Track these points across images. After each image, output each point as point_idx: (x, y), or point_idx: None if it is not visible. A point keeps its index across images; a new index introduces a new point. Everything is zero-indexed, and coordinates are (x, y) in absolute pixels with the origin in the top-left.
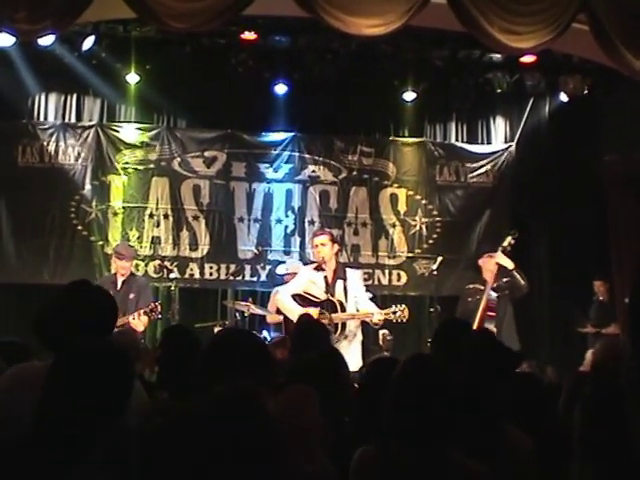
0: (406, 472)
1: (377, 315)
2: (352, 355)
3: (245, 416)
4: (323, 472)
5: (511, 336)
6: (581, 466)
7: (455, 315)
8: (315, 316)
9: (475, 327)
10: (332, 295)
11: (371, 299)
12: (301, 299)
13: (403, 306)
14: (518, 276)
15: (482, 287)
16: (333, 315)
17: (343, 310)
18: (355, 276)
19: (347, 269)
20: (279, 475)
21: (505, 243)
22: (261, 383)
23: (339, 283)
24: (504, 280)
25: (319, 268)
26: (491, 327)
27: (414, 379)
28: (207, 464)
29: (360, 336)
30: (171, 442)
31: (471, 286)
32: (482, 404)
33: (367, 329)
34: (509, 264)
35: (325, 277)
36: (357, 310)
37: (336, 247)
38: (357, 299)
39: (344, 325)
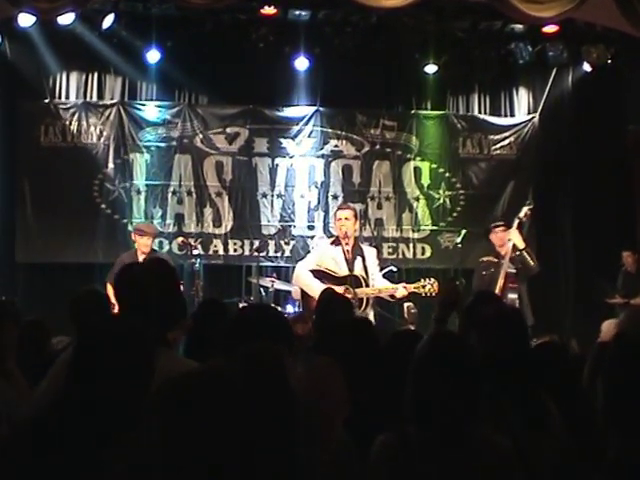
0: (430, 457)
1: (401, 290)
2: None
3: (272, 374)
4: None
5: (525, 311)
6: (606, 437)
7: (472, 288)
8: (340, 292)
9: None
10: (352, 271)
11: (393, 273)
12: (320, 274)
13: (432, 279)
14: (528, 257)
15: (496, 259)
16: (357, 290)
17: (367, 285)
18: (372, 254)
19: (363, 246)
20: (300, 442)
21: (521, 214)
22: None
23: (358, 259)
24: (517, 254)
25: (336, 242)
26: (514, 297)
27: (437, 357)
28: (229, 419)
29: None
30: (191, 397)
31: (485, 259)
32: (520, 376)
33: (391, 302)
34: (520, 243)
35: (344, 252)
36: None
37: (358, 223)
38: (374, 276)
39: (368, 300)
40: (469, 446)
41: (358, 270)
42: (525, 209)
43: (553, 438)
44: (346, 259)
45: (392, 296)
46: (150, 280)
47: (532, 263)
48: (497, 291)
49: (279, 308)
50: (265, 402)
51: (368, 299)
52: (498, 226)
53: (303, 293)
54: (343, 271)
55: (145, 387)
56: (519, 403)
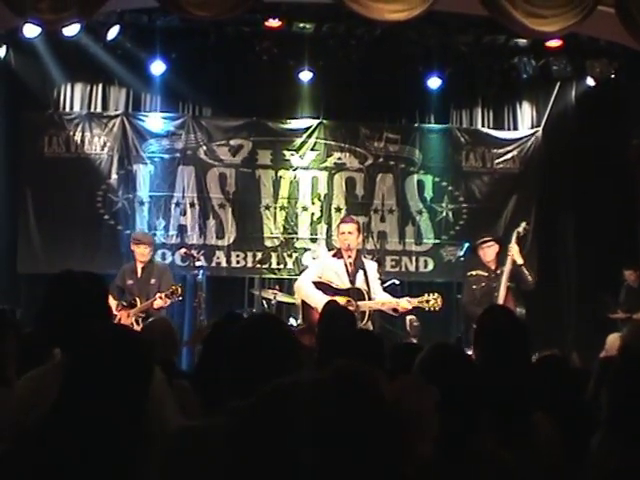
0: (429, 468)
1: (405, 303)
2: None
3: (363, 389)
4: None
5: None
6: (608, 449)
7: (463, 304)
8: (342, 303)
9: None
10: (353, 283)
11: (395, 286)
12: (322, 286)
13: (436, 294)
14: (526, 271)
15: (486, 274)
16: (360, 303)
17: (369, 298)
18: (373, 267)
19: (364, 260)
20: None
21: (520, 228)
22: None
23: (360, 273)
24: (515, 268)
25: (338, 255)
26: (522, 312)
27: (437, 370)
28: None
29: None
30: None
31: (474, 272)
32: (507, 393)
33: (392, 317)
34: (519, 258)
35: (346, 265)
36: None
37: (361, 237)
38: (374, 290)
39: (370, 313)
40: (471, 463)
41: (360, 283)
42: (523, 224)
43: (538, 456)
44: (348, 272)
45: (395, 310)
46: None
47: (529, 278)
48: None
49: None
50: (365, 425)
51: (370, 312)
52: (486, 242)
53: (304, 305)
54: (345, 284)
55: (143, 398)
56: (503, 420)
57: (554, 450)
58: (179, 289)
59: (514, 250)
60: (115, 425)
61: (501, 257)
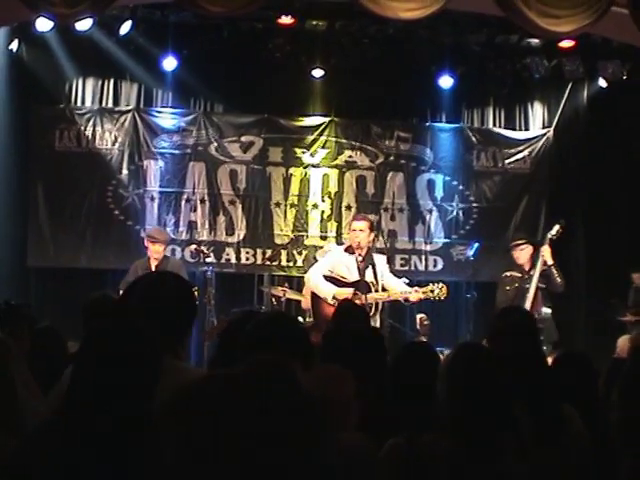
0: (438, 466)
1: (414, 294)
2: None
3: (279, 381)
4: (358, 446)
5: (551, 327)
6: (621, 452)
7: (497, 303)
8: (349, 296)
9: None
10: (362, 277)
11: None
12: (333, 280)
13: (441, 284)
14: (556, 273)
15: (519, 275)
16: (368, 295)
17: (377, 290)
18: (382, 260)
19: (373, 254)
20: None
21: (553, 231)
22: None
23: (369, 268)
24: (545, 270)
25: (350, 250)
26: (548, 312)
27: (467, 370)
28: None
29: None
30: (201, 406)
31: (508, 274)
32: (537, 389)
33: (404, 314)
34: (549, 260)
35: (357, 261)
36: (383, 290)
37: (372, 235)
38: (384, 280)
39: (377, 305)
40: (500, 463)
41: (368, 277)
42: (557, 226)
43: (567, 454)
44: (358, 267)
45: (406, 300)
46: (164, 293)
47: (559, 280)
48: (527, 306)
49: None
50: (281, 410)
51: (377, 305)
52: (520, 244)
53: (313, 297)
54: (354, 278)
55: (151, 386)
56: (534, 417)
57: (584, 444)
58: (196, 293)
59: (546, 252)
60: (123, 420)
61: (535, 259)
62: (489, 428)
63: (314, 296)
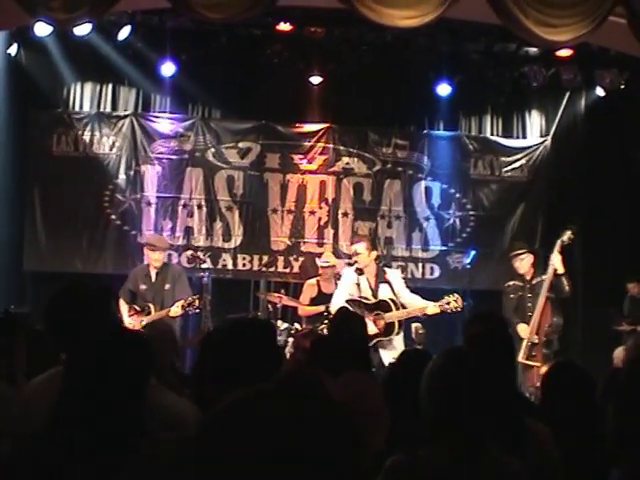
0: (442, 474)
1: (432, 308)
2: (399, 350)
3: (313, 397)
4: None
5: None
6: (616, 462)
7: (503, 313)
8: (371, 319)
9: (534, 322)
10: (375, 297)
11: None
12: (355, 303)
13: (456, 295)
14: (565, 281)
15: (521, 284)
16: (386, 315)
17: (397, 308)
18: (397, 275)
19: (386, 269)
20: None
21: (565, 237)
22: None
23: (383, 286)
24: (556, 278)
25: (359, 272)
26: (560, 322)
27: (447, 376)
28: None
29: (401, 333)
30: (232, 433)
31: (510, 283)
32: (503, 401)
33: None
34: (561, 268)
35: (367, 280)
36: (402, 306)
37: (374, 254)
38: (401, 295)
39: (400, 323)
40: (483, 463)
41: (384, 294)
42: (568, 232)
43: (526, 465)
44: (370, 286)
45: (424, 315)
46: None
47: (567, 288)
48: (536, 317)
49: (285, 324)
50: (319, 427)
51: (400, 323)
52: (520, 253)
53: None
54: (370, 298)
55: (142, 396)
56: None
57: (549, 458)
58: (197, 301)
59: (556, 259)
60: (116, 422)
61: (542, 266)
62: (474, 431)
63: None
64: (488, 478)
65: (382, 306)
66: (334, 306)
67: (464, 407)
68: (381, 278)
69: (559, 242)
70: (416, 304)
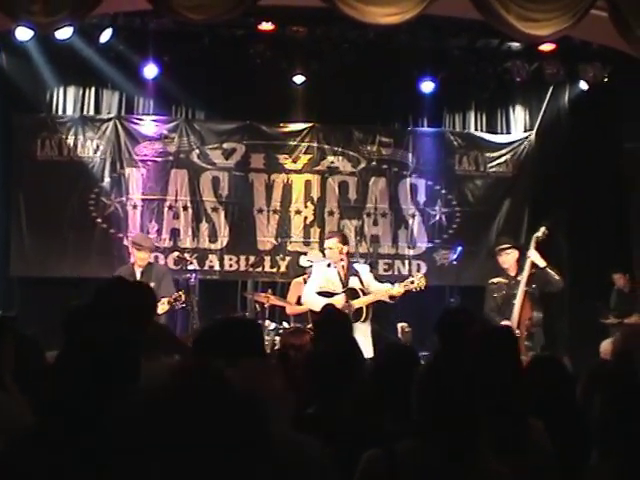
0: (431, 472)
1: (396, 288)
2: (369, 339)
3: (209, 385)
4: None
5: (538, 331)
6: (601, 455)
7: (484, 311)
8: (341, 304)
9: (515, 317)
10: (346, 286)
11: None
12: (324, 294)
13: (420, 274)
14: (551, 272)
15: (506, 280)
16: (354, 301)
17: (365, 294)
18: (365, 269)
19: (355, 265)
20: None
21: (539, 233)
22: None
23: (352, 278)
24: (539, 272)
25: (333, 265)
26: (540, 316)
27: (438, 381)
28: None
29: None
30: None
31: (495, 280)
32: (503, 401)
33: (385, 322)
34: (541, 262)
35: (339, 273)
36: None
37: (345, 248)
38: (370, 286)
39: (367, 308)
40: (470, 463)
41: (354, 284)
42: (543, 228)
43: (527, 461)
44: (341, 279)
45: (391, 297)
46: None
47: (557, 277)
48: (516, 311)
49: (273, 324)
50: (218, 411)
51: (367, 309)
52: (505, 248)
53: (312, 314)
54: (339, 288)
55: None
56: (495, 424)
57: (546, 457)
58: (182, 295)
59: (534, 255)
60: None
61: (521, 263)
62: (463, 431)
63: (313, 313)
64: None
65: (350, 294)
66: (305, 298)
67: (454, 408)
68: (351, 272)
69: (534, 238)
70: (382, 289)
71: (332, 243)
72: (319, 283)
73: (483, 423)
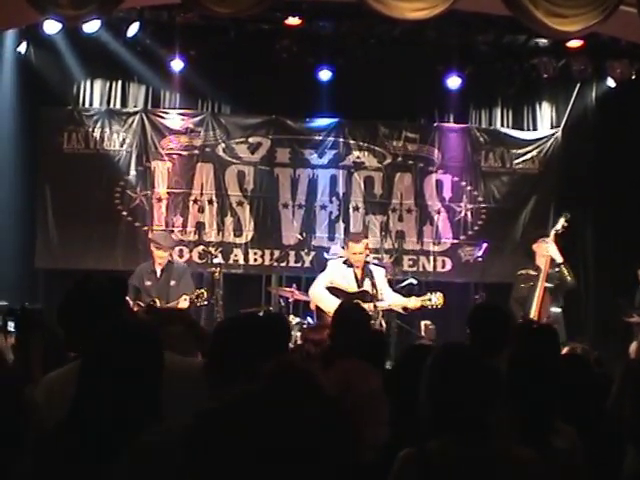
0: (449, 470)
1: (413, 302)
2: None
3: (302, 392)
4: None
5: (560, 327)
6: (632, 456)
7: (510, 302)
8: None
9: (534, 313)
10: (361, 287)
11: (413, 285)
12: (335, 291)
13: (438, 293)
14: (566, 271)
15: (534, 272)
16: (365, 305)
17: (377, 300)
18: (381, 273)
19: (372, 267)
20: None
21: (558, 226)
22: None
23: (367, 280)
24: (556, 270)
25: (348, 263)
26: (557, 311)
27: (445, 368)
28: (269, 448)
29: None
30: (226, 427)
31: (523, 272)
32: (530, 401)
33: (408, 319)
34: (558, 257)
35: (355, 273)
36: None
37: (367, 251)
38: (382, 292)
39: (381, 314)
40: (486, 452)
41: (367, 287)
42: (562, 221)
43: (553, 458)
44: (356, 279)
45: (405, 309)
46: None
47: (569, 278)
48: (535, 306)
49: (297, 319)
50: (305, 414)
51: (380, 312)
52: (545, 239)
53: (318, 310)
54: (353, 288)
55: (156, 385)
56: (523, 420)
57: (576, 461)
58: (205, 293)
59: (552, 249)
60: (131, 417)
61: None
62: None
63: (318, 308)
64: (498, 465)
65: (363, 296)
66: (312, 289)
67: (467, 398)
68: (367, 272)
69: (553, 231)
70: (396, 301)
71: (361, 248)
72: (331, 278)
73: (499, 410)
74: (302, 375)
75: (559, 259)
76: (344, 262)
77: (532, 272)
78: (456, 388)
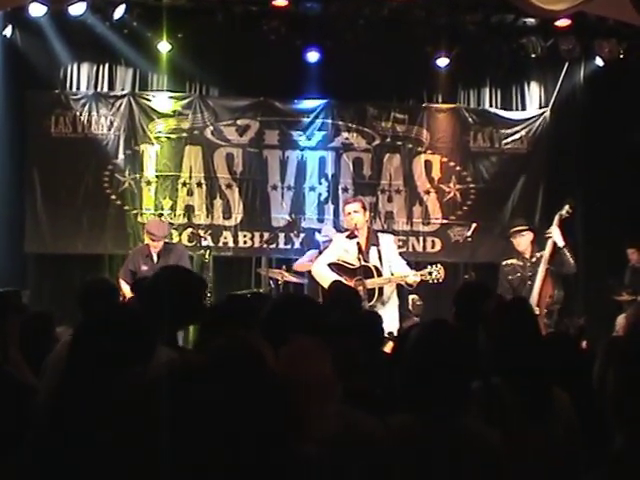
0: (415, 441)
1: (412, 276)
2: (388, 319)
3: (243, 367)
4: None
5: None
6: (616, 433)
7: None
8: (351, 284)
9: (534, 298)
10: (366, 261)
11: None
12: (337, 267)
13: (439, 265)
14: (568, 254)
15: (521, 263)
16: (368, 281)
17: (379, 275)
18: (388, 240)
19: (379, 234)
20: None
21: (563, 211)
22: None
23: (373, 249)
24: (557, 252)
25: (352, 236)
26: (562, 294)
27: (426, 346)
28: (203, 415)
29: (396, 300)
30: (172, 393)
31: (508, 262)
32: (526, 369)
33: (398, 294)
34: (560, 241)
35: (358, 244)
36: (391, 274)
37: (367, 214)
38: (391, 263)
39: (381, 290)
40: (454, 432)
41: (373, 260)
42: (567, 206)
43: (554, 433)
44: (360, 250)
45: (406, 283)
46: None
47: (571, 262)
48: (536, 290)
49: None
50: (244, 391)
51: (380, 290)
52: (520, 230)
53: (322, 288)
54: (357, 262)
55: (141, 370)
56: (523, 396)
57: (572, 427)
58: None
59: (555, 233)
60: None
61: (540, 240)
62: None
63: (322, 287)
64: (463, 445)
65: (365, 272)
66: (315, 267)
67: (437, 375)
68: (373, 241)
69: (557, 216)
70: (399, 272)
71: (357, 206)
72: (337, 254)
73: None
74: (245, 353)
75: (561, 243)
76: (347, 236)
77: (518, 262)
78: (425, 360)
